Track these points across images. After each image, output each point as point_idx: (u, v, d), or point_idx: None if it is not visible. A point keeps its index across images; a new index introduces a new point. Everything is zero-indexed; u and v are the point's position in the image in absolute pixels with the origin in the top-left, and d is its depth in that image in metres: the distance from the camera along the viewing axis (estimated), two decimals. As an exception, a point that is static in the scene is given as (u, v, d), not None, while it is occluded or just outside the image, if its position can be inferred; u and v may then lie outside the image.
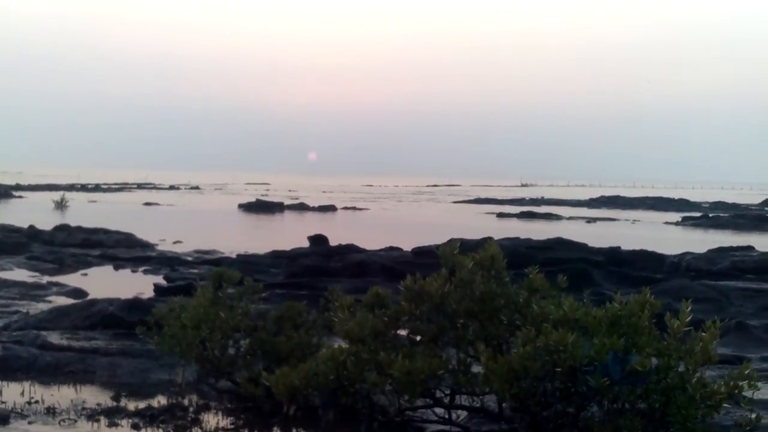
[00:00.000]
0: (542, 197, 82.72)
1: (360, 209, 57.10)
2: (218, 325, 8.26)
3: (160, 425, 7.63)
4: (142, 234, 27.12)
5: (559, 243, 21.12)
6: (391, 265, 18.24)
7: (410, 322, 7.34)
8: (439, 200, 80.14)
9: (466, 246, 7.69)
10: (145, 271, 20.12)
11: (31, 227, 26.93)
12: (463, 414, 7.24)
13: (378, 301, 7.50)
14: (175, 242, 26.77)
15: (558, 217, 50.89)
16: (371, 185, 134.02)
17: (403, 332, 7.47)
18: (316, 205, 56.98)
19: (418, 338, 7.28)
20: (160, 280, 17.96)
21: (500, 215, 52.70)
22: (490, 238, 18.72)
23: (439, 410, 7.10)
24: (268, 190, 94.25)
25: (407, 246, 21.98)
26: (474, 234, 23.56)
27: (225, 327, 8.29)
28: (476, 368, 6.66)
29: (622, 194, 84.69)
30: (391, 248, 21.90)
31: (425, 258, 18.73)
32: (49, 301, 14.67)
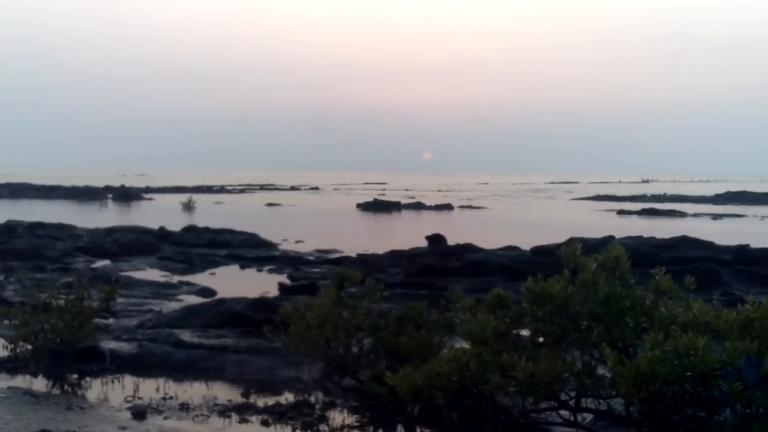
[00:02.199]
0: (664, 193, 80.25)
1: (477, 208, 56.83)
2: (341, 325, 8.43)
3: (288, 422, 7.85)
4: (265, 234, 27.87)
5: (685, 241, 20.48)
6: (510, 265, 18.12)
7: (532, 324, 7.29)
8: (556, 198, 78.88)
9: (586, 245, 7.60)
10: (270, 271, 20.66)
11: (162, 228, 28.09)
12: (588, 417, 7.16)
13: (499, 302, 7.49)
14: (297, 242, 27.39)
15: (682, 214, 49.28)
16: (487, 183, 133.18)
17: (525, 333, 7.44)
18: (433, 204, 57.07)
19: (541, 340, 7.23)
20: (284, 279, 18.41)
21: (620, 212, 51.42)
22: (611, 237, 18.42)
23: (564, 413, 7.04)
24: (385, 189, 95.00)
25: (525, 245, 21.78)
26: (594, 232, 23.15)
27: (348, 326, 8.45)
28: (601, 371, 6.58)
29: (749, 189, 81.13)
30: (510, 247, 21.75)
31: (545, 257, 18.50)
32: (180, 300, 15.27)
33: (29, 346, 9.90)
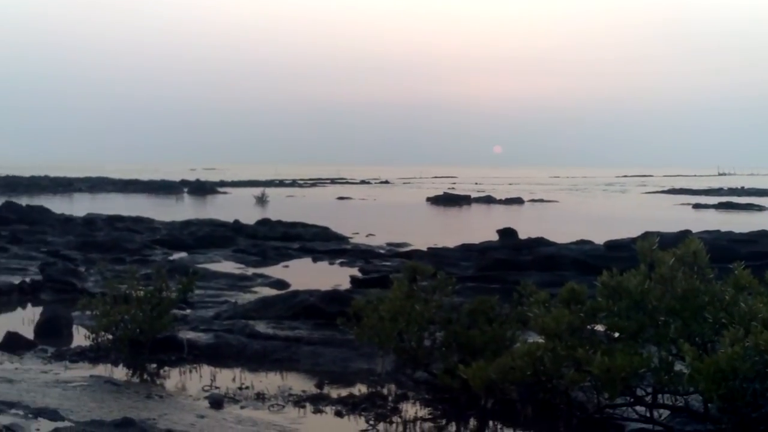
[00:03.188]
0: (742, 187, 78.12)
1: (547, 201, 56.28)
2: (414, 318, 8.46)
3: (362, 413, 7.93)
4: (336, 227, 28.11)
5: (764, 236, 19.89)
6: (583, 259, 17.90)
7: (608, 319, 7.20)
8: (629, 191, 77.53)
9: (661, 240, 7.47)
10: (341, 264, 20.83)
11: (236, 222, 28.55)
12: (665, 413, 7.05)
13: (573, 296, 7.42)
14: (367, 235, 27.56)
15: (760, 208, 47.95)
16: (558, 176, 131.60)
17: (599, 328, 7.36)
18: (503, 197, 56.73)
19: (616, 335, 7.14)
20: (355, 272, 18.54)
21: (696, 206, 50.30)
22: (687, 232, 18.02)
23: (640, 408, 6.95)
24: (454, 183, 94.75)
25: (598, 239, 21.45)
26: (668, 227, 22.65)
27: (420, 319, 8.48)
28: (678, 367, 6.48)
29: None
30: (582, 241, 21.44)
31: (618, 252, 18.23)
32: (255, 292, 15.52)
33: (110, 336, 10.20)
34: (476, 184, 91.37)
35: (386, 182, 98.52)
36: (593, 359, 6.42)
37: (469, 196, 56.53)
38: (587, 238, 22.00)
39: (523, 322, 8.22)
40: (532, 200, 56.62)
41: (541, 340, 7.12)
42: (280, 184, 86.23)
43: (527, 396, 6.89)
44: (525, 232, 23.15)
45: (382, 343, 8.57)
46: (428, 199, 54.88)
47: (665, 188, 77.70)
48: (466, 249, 20.75)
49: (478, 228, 30.80)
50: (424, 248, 21.73)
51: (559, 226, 32.30)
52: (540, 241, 20.80)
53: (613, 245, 19.45)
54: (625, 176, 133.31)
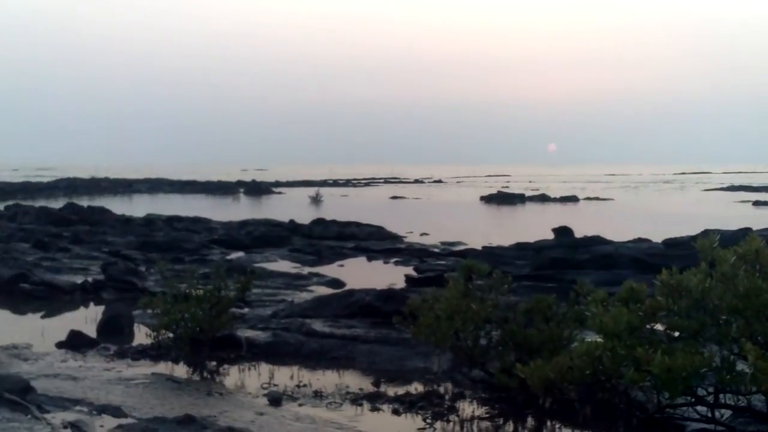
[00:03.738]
0: (805, 183, 76.20)
1: (603, 199, 55.60)
2: (470, 317, 8.45)
3: (419, 411, 7.95)
4: (391, 227, 28.16)
5: (829, 233, 19.41)
6: (641, 258, 17.66)
7: (667, 318, 7.12)
8: (687, 189, 76.20)
9: (721, 238, 7.36)
10: (396, 263, 20.85)
11: (291, 221, 28.80)
12: (727, 413, 6.95)
13: (632, 295, 7.35)
14: (422, 234, 27.54)
15: (824, 205, 46.73)
16: (613, 174, 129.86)
17: (659, 328, 7.28)
18: (558, 196, 56.18)
19: (676, 334, 7.06)
20: (410, 271, 18.55)
21: (756, 203, 49.19)
22: (748, 229, 17.67)
23: (702, 408, 6.85)
24: (508, 181, 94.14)
25: (656, 237, 21.19)
26: (728, 224, 22.28)
27: (476, 318, 8.47)
28: (740, 366, 6.38)
29: None
30: (640, 240, 21.19)
31: (677, 250, 17.99)
32: (311, 291, 15.65)
33: (171, 334, 10.36)
34: (530, 182, 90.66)
35: (439, 181, 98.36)
36: (653, 359, 6.35)
37: (523, 194, 56.13)
38: (644, 236, 21.73)
39: (580, 321, 8.17)
40: (587, 198, 55.95)
41: (599, 339, 7.07)
42: (335, 184, 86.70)
43: (586, 396, 6.84)
44: (581, 230, 22.96)
45: (438, 342, 8.58)
46: (482, 198, 54.65)
47: (724, 185, 76.20)
48: (521, 248, 20.65)
49: (532, 226, 30.59)
50: (479, 247, 21.67)
51: (615, 224, 31.91)
52: (596, 240, 20.61)
53: (671, 243, 19.21)
54: (683, 173, 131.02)
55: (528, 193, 57.68)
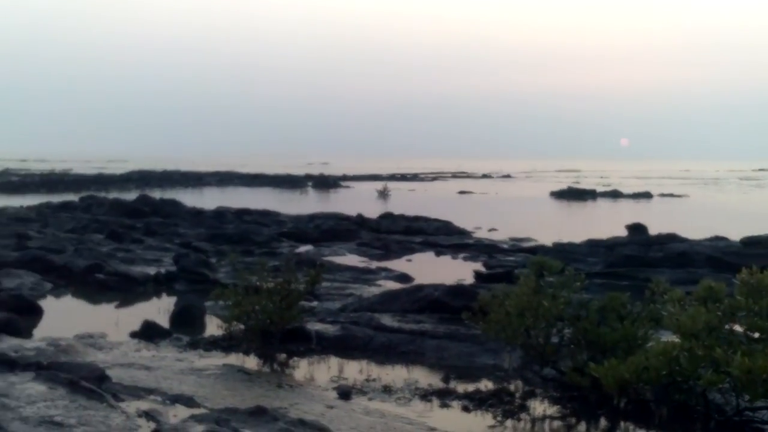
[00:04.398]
0: None
1: (678, 196, 54.39)
2: (541, 314, 8.34)
3: (489, 409, 7.86)
4: (458, 222, 28.02)
5: None
6: (718, 256, 17.20)
7: (747, 318, 6.92)
8: (766, 186, 74.05)
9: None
10: (464, 258, 20.71)
11: (359, 215, 28.89)
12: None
13: (711, 294, 7.16)
14: (490, 230, 27.32)
15: None
16: (688, 170, 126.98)
17: (738, 328, 7.07)
18: (630, 192, 55.18)
19: (756, 335, 6.84)
20: (479, 266, 18.41)
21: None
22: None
23: (784, 412, 6.63)
24: (578, 177, 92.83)
25: (733, 235, 20.62)
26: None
27: (548, 315, 8.36)
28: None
29: None
30: (716, 237, 20.67)
31: (756, 249, 17.51)
32: (379, 285, 15.64)
33: (242, 326, 10.48)
34: (602, 177, 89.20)
35: (508, 176, 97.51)
36: (733, 360, 6.17)
37: (595, 190, 55.27)
38: (721, 234, 21.18)
39: (656, 321, 7.99)
40: (661, 195, 54.81)
41: (676, 339, 6.89)
42: (402, 178, 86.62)
43: (662, 396, 6.67)
44: (655, 227, 22.51)
45: (509, 339, 8.49)
46: (552, 194, 54.00)
47: (806, 182, 73.84)
48: (592, 245, 20.33)
49: (604, 223, 30.12)
50: (549, 243, 21.40)
51: (690, 221, 31.17)
52: (671, 237, 20.18)
53: (750, 241, 18.68)
54: (762, 170, 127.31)
55: (599, 189, 56.77)
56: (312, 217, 29.49)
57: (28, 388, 7.71)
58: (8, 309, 11.82)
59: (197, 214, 30.19)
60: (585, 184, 63.40)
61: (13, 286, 14.30)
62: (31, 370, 8.38)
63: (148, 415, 7.17)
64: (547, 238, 23.16)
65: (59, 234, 22.41)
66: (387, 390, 8.51)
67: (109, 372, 8.32)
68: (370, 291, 14.47)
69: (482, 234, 26.27)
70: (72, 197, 39.43)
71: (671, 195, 54.99)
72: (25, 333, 10.98)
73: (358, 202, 42.93)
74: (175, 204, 32.28)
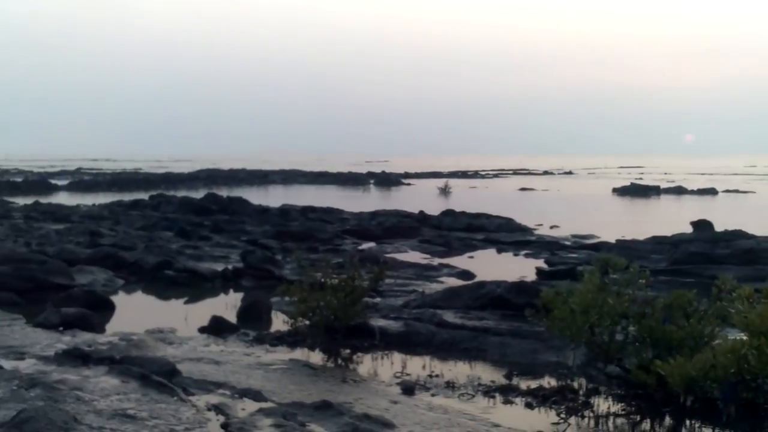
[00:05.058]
0: None
1: (743, 192, 53.21)
2: (606, 311, 8.31)
3: (552, 406, 7.87)
4: (520, 218, 27.90)
5: None
6: (787, 253, 16.82)
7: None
8: (839, 180, 71.89)
9: None
10: (526, 255, 20.65)
11: (421, 212, 28.98)
12: None
13: (780, 292, 7.05)
14: (552, 227, 27.15)
15: None
16: (754, 165, 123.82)
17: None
18: (695, 188, 54.17)
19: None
20: (541, 263, 18.33)
21: None
22: None
23: None
24: (642, 173, 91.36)
25: (804, 232, 20.14)
26: None
27: (613, 313, 8.32)
28: None
29: None
30: (786, 234, 20.18)
31: (827, 245, 17.06)
32: (441, 282, 15.70)
33: (307, 322, 10.67)
34: (665, 174, 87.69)
35: (569, 173, 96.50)
36: (803, 359, 6.09)
37: (658, 186, 54.41)
38: (791, 230, 20.70)
39: (723, 318, 7.89)
40: (727, 191, 53.68)
41: (744, 337, 6.82)
42: (463, 175, 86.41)
43: (730, 395, 6.60)
44: (720, 224, 22.06)
45: (573, 336, 8.47)
46: (614, 190, 53.31)
47: None
48: (657, 242, 20.05)
49: (668, 220, 29.62)
50: (612, 240, 21.18)
51: (757, 217, 30.51)
52: (738, 234, 19.75)
53: (820, 238, 18.18)
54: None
55: (663, 185, 55.84)
56: (374, 215, 29.68)
57: (102, 381, 7.99)
58: (82, 304, 12.22)
59: (263, 211, 30.61)
60: (648, 181, 62.38)
61: (86, 282, 14.77)
62: (104, 364, 8.68)
63: (217, 408, 7.37)
64: (609, 235, 22.92)
65: (130, 231, 23.02)
66: (450, 386, 8.58)
67: (179, 366, 8.56)
68: (433, 287, 14.55)
69: (544, 231, 26.13)
70: (142, 196, 40.33)
71: (736, 191, 53.83)
72: (98, 328, 11.34)
73: (419, 199, 43.00)
74: (241, 202, 32.75)
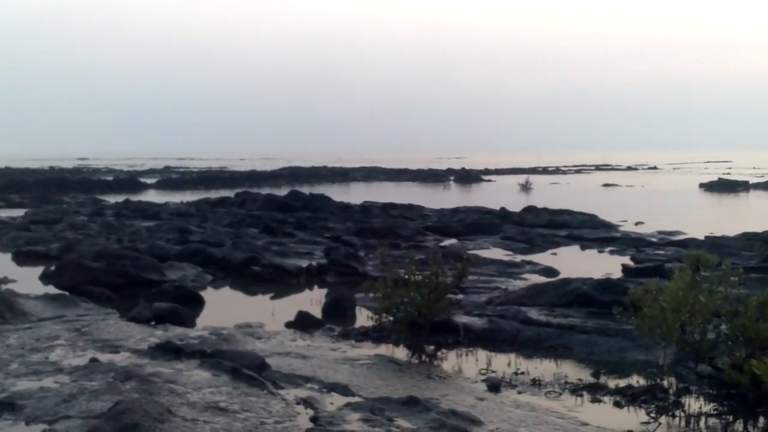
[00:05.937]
0: None
1: (841, 186, 51.22)
2: (697, 309, 8.16)
3: (642, 405, 7.74)
4: (603, 215, 27.45)
5: None
6: None
7: None
8: None
9: None
10: (611, 252, 20.30)
11: (502, 209, 28.83)
12: None
13: None
14: (637, 223, 26.62)
15: None
16: None
17: None
18: (787, 182, 52.38)
19: None
20: (626, 260, 18.01)
21: None
22: None
23: None
24: (729, 168, 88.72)
25: None
26: None
27: (705, 311, 8.16)
28: None
29: None
30: None
31: None
32: (524, 279, 15.58)
33: (391, 318, 10.76)
34: (754, 168, 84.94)
35: (654, 168, 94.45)
36: None
37: (747, 181, 52.77)
38: None
39: (819, 317, 7.67)
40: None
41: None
42: (543, 171, 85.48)
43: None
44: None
45: (663, 335, 8.33)
46: (701, 185, 52.01)
47: None
48: (748, 238, 19.53)
49: (759, 215, 28.77)
50: (700, 237, 20.68)
51: None
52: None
53: None
54: None
55: (753, 180, 54.15)
56: (455, 211, 29.65)
57: (194, 374, 8.23)
58: (172, 299, 12.58)
59: (345, 208, 30.90)
60: (736, 176, 60.57)
61: (176, 277, 15.19)
62: (195, 358, 8.94)
63: (306, 402, 7.51)
64: (697, 232, 22.37)
65: (217, 228, 23.54)
66: (536, 383, 8.53)
67: (268, 360, 8.75)
68: (516, 284, 14.46)
69: (629, 227, 25.64)
70: (228, 193, 41.19)
71: (833, 185, 51.84)
72: (189, 322, 11.66)
73: (500, 195, 42.77)
74: (323, 199, 33.14)
